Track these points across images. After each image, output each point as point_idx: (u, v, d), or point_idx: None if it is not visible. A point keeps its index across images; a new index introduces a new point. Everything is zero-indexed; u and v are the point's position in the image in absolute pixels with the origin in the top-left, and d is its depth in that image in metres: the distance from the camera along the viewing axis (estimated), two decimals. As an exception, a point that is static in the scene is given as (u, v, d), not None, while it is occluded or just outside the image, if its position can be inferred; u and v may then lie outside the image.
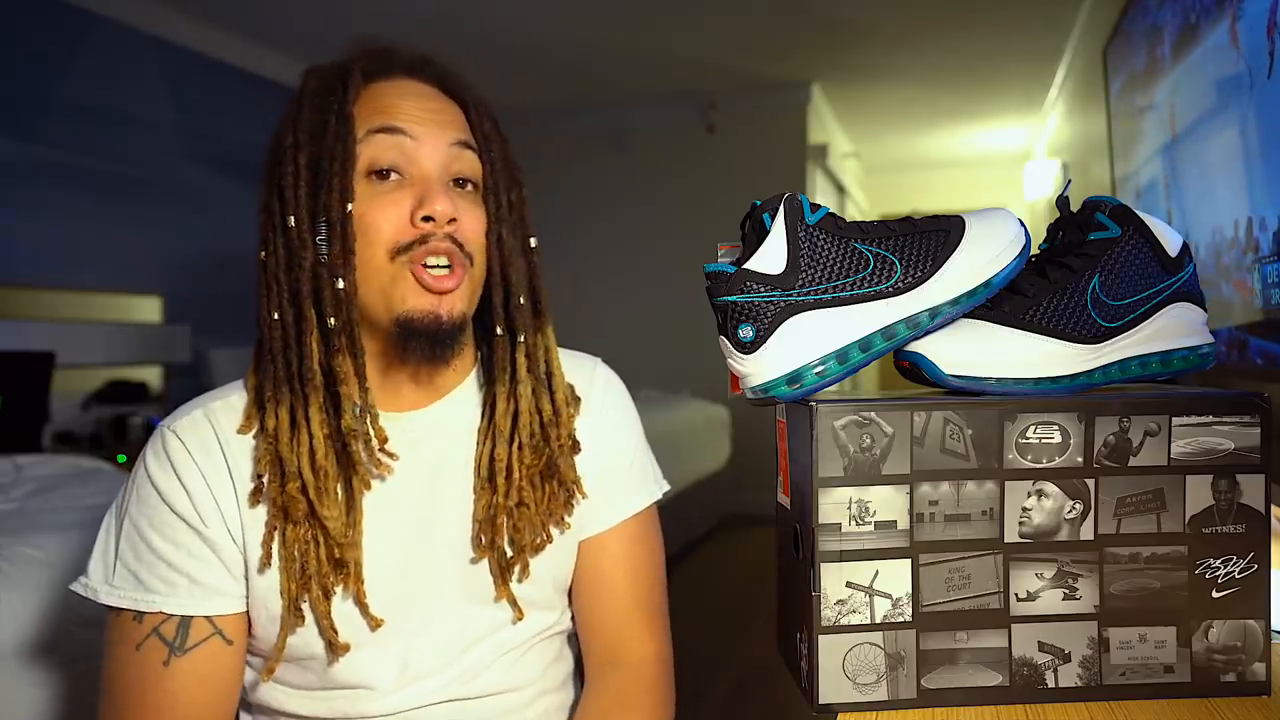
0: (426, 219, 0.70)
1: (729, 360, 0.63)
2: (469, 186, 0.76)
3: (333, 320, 0.69)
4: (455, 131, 0.75)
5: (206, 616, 0.70)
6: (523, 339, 0.78)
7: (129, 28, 3.50)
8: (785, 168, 4.84)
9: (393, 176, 0.72)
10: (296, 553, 0.70)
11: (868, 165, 6.79)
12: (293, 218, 0.70)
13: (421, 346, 0.72)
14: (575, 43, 4.15)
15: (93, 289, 3.42)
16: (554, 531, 0.80)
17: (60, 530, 1.29)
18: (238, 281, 4.10)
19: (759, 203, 0.63)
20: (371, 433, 0.72)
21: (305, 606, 0.71)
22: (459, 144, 0.74)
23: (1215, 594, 0.59)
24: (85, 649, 1.17)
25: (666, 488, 0.91)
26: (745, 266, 0.60)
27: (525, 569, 0.78)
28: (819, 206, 0.62)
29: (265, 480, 0.71)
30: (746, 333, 0.60)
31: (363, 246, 0.70)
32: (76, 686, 1.17)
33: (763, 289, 0.60)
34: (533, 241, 0.79)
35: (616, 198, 5.18)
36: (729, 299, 0.61)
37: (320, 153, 0.70)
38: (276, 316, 0.71)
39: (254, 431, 0.73)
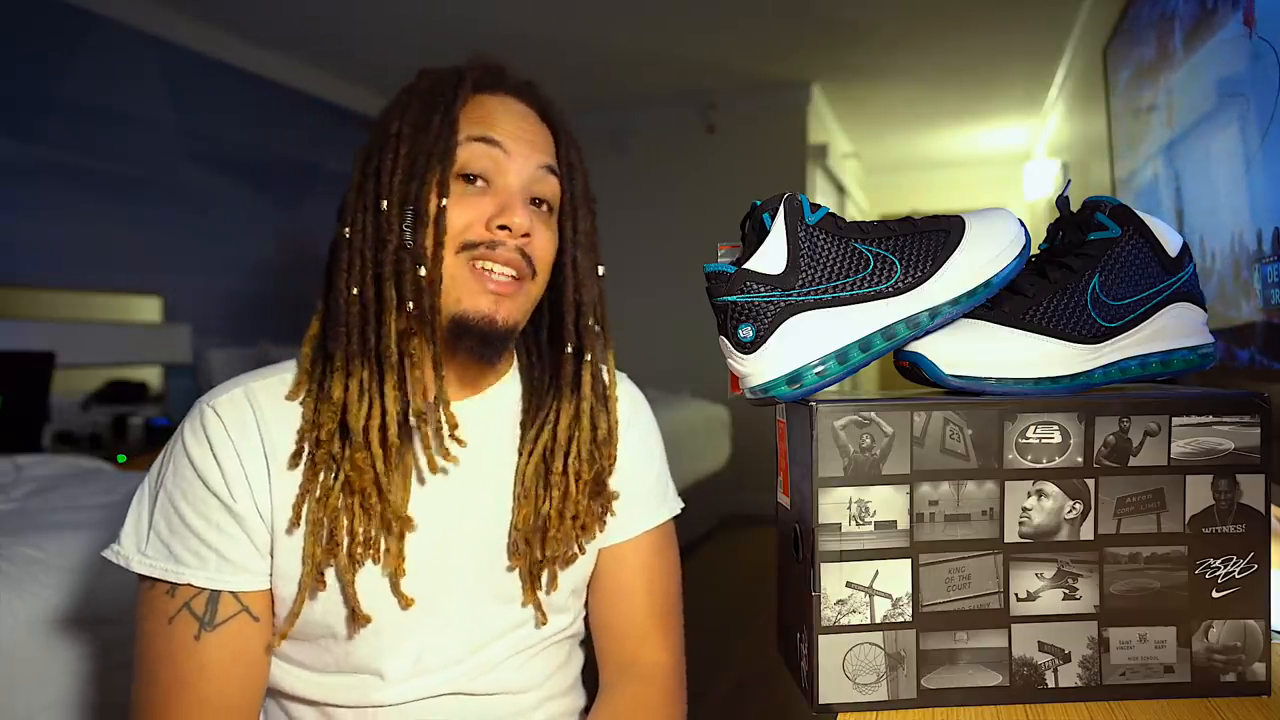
0: (503, 228, 0.73)
1: (729, 360, 0.63)
2: (544, 208, 0.79)
3: (412, 305, 0.72)
4: (544, 155, 0.78)
5: (233, 592, 0.71)
6: (589, 358, 0.81)
7: (129, 28, 3.49)
8: (785, 168, 4.84)
9: (479, 183, 0.75)
10: (326, 520, 0.71)
11: (868, 165, 6.78)
12: (385, 201, 0.73)
13: (471, 346, 0.74)
14: (575, 44, 4.15)
15: (93, 289, 3.41)
16: (584, 543, 0.82)
17: (60, 530, 1.29)
18: (237, 281, 4.10)
19: (759, 203, 0.63)
20: (443, 418, 0.74)
21: (329, 573, 0.72)
22: (545, 168, 0.78)
23: (1215, 594, 0.59)
24: (85, 648, 1.17)
25: (683, 505, 0.93)
26: (745, 266, 0.60)
27: (554, 579, 0.80)
28: (819, 206, 0.62)
29: (310, 447, 0.72)
30: (746, 333, 0.60)
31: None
32: (76, 686, 1.17)
33: (763, 289, 0.60)
34: (600, 269, 0.83)
35: (616, 198, 5.14)
36: (729, 299, 0.60)
37: (420, 147, 0.73)
38: (356, 291, 0.73)
39: (300, 399, 0.74)
